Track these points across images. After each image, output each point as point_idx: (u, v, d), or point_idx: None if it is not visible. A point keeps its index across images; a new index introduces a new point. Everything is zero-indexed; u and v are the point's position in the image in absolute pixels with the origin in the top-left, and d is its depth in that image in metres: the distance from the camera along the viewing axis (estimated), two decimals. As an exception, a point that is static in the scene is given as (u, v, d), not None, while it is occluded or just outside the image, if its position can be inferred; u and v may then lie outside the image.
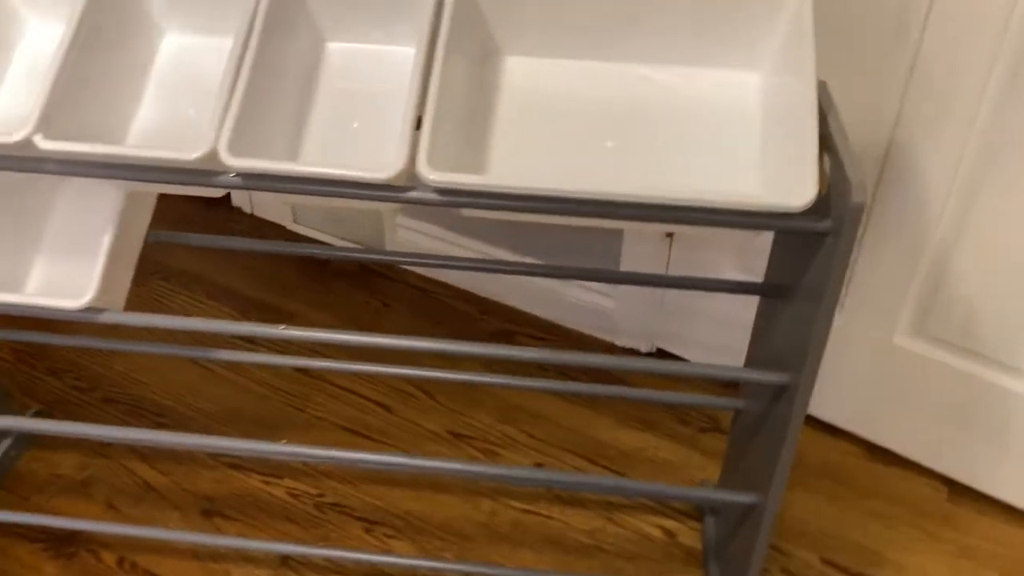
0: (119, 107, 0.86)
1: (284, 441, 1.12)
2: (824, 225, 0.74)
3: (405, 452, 1.31)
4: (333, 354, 1.27)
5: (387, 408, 1.39)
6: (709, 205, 0.73)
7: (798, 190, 0.72)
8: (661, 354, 1.48)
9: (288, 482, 1.27)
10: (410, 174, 0.75)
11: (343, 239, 1.68)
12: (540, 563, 1.17)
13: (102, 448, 1.31)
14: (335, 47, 0.89)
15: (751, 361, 1.03)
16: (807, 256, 0.82)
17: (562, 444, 1.33)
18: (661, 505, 1.24)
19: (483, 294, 1.57)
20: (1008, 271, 1.07)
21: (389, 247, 1.64)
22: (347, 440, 1.33)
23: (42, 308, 0.89)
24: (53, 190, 1.01)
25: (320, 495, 1.26)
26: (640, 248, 1.37)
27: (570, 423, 1.36)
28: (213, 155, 0.76)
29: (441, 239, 1.56)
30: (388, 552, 1.18)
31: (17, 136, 0.77)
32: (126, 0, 0.86)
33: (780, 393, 0.88)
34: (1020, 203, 1.01)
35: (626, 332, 1.48)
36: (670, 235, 1.35)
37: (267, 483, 1.27)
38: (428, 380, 1.41)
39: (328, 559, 1.17)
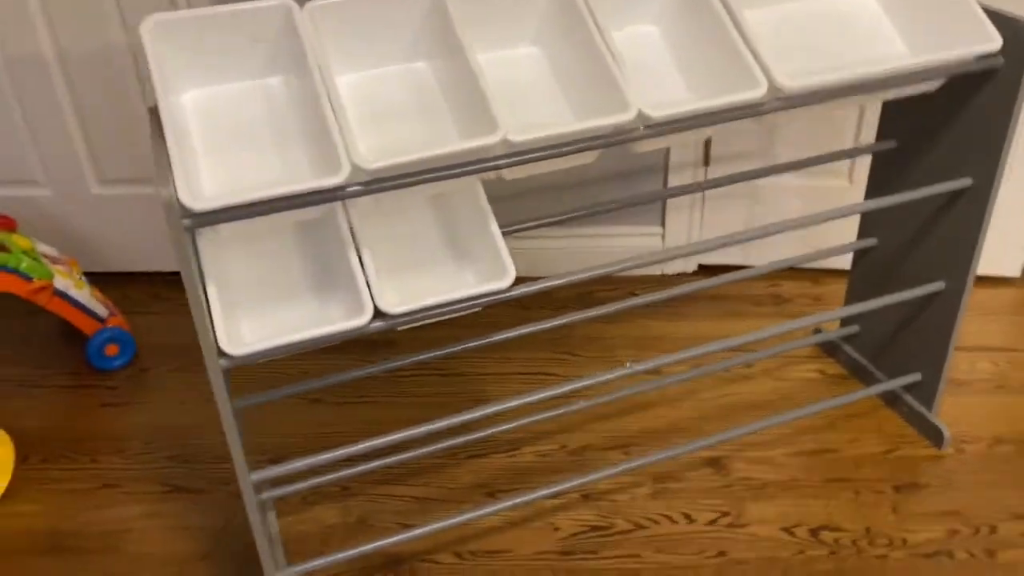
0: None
1: (628, 364, 1.25)
2: (997, 61, 1.14)
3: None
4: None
5: (553, 374, 1.58)
6: (933, 65, 1.10)
7: (983, 39, 1.11)
8: (703, 270, 1.83)
9: (527, 448, 1.43)
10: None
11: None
12: (756, 420, 1.45)
13: (344, 490, 1.37)
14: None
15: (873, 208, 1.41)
16: (958, 100, 1.22)
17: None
18: (800, 357, 1.59)
19: (540, 274, 1.79)
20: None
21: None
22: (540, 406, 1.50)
23: (475, 297, 1.02)
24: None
25: (564, 446, 1.43)
26: (681, 175, 1.71)
27: (687, 333, 1.67)
28: (641, 115, 0.98)
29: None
30: (656, 453, 1.37)
31: (498, 135, 0.93)
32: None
33: (956, 199, 1.26)
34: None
35: (674, 261, 1.81)
36: (707, 160, 1.70)
37: (512, 456, 1.42)
38: (569, 336, 1.64)
39: (613, 480, 1.36)
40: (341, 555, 1.16)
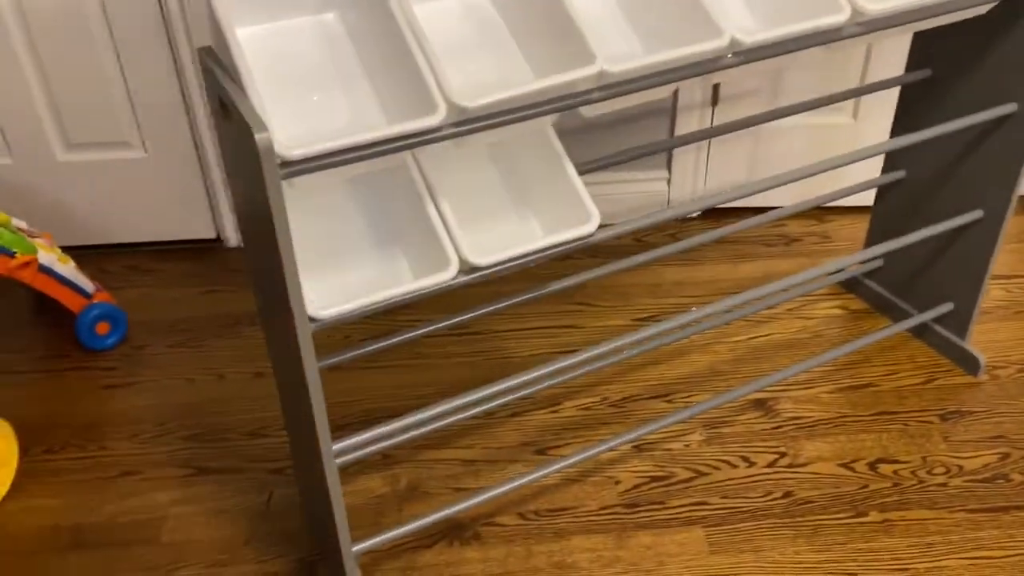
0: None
1: (694, 308, 1.21)
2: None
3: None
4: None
5: (573, 326, 1.54)
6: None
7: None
8: (707, 211, 1.81)
9: (567, 403, 1.38)
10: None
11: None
12: (792, 359, 1.45)
13: (386, 458, 1.30)
14: None
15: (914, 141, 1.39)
16: (1002, 25, 1.21)
17: (715, 291, 1.60)
18: (819, 295, 1.58)
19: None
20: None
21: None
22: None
23: (561, 243, 0.96)
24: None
25: (604, 399, 1.39)
26: (688, 117, 1.68)
27: (703, 278, 1.64)
28: (734, 41, 0.93)
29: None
30: (696, 404, 1.35)
31: (596, 67, 0.86)
32: None
33: (996, 126, 1.26)
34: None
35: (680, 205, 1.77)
36: (714, 102, 1.67)
37: (555, 412, 1.37)
38: (582, 287, 1.60)
39: (664, 429, 1.33)
40: (413, 525, 1.10)
